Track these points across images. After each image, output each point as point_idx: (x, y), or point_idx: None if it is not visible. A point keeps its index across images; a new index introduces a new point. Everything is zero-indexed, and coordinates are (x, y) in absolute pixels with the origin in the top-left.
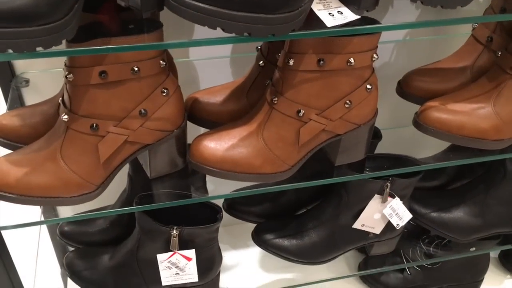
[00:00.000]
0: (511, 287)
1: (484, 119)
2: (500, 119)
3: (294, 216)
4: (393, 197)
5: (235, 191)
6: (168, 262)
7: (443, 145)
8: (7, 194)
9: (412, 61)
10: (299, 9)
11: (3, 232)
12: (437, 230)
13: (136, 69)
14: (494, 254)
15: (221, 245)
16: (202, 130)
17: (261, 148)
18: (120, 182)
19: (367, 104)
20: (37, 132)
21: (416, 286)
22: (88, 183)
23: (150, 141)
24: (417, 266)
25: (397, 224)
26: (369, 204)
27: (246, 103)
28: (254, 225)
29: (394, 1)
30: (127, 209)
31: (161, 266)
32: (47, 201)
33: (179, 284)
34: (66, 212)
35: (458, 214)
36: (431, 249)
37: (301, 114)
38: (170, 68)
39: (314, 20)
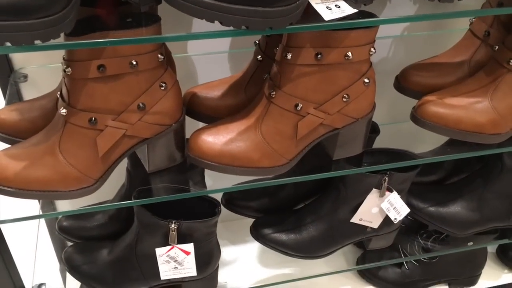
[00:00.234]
0: (509, 282)
1: (482, 113)
2: (497, 113)
3: (292, 210)
4: (391, 191)
5: (233, 185)
6: (167, 256)
7: (440, 139)
8: (5, 188)
9: (409, 56)
10: (297, 2)
11: (2, 227)
12: (435, 224)
13: (134, 63)
14: (491, 249)
15: (219, 240)
16: (201, 124)
17: (259, 142)
18: (118, 177)
19: (365, 98)
20: (36, 126)
21: (414, 281)
22: (87, 177)
23: (149, 135)
24: (415, 261)
25: (395, 218)
26: (367, 198)
27: (244, 97)
28: (253, 220)
29: None
30: (126, 202)
31: (160, 260)
32: (46, 195)
33: (177, 278)
34: (64, 206)
35: (455, 208)
36: (429, 243)
37: (299, 108)
38: (169, 63)
39: (311, 14)
